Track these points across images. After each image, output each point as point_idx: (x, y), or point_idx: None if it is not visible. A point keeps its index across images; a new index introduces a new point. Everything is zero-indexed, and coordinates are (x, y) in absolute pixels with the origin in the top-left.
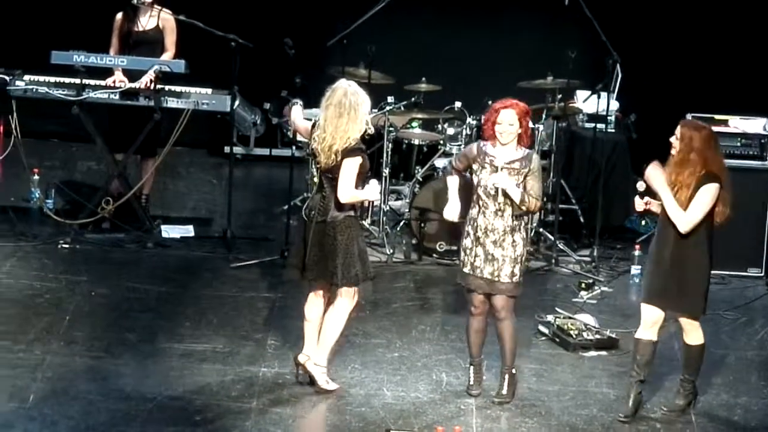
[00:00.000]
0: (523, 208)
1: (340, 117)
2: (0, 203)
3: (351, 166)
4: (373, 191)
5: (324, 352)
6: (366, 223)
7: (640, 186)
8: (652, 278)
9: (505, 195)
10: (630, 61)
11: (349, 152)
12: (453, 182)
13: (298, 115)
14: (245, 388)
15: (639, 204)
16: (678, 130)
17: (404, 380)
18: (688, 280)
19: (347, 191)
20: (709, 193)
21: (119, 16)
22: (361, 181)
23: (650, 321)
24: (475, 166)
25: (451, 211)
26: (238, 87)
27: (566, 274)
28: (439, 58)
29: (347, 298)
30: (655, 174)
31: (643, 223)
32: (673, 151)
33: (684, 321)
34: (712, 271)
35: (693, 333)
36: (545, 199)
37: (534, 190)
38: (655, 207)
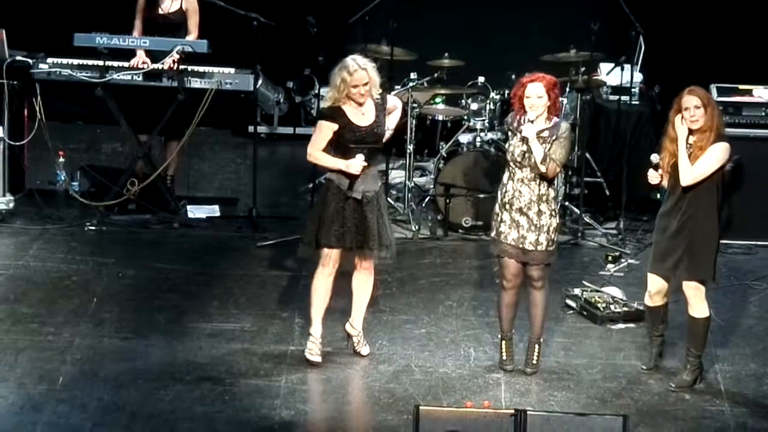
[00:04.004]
0: (542, 168)
1: None
2: (26, 186)
3: (317, 126)
4: (351, 164)
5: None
6: (391, 199)
7: (654, 158)
8: (658, 248)
9: (529, 150)
10: (653, 32)
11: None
12: None
13: None
14: (273, 366)
15: (654, 176)
16: (694, 100)
17: (432, 356)
18: (697, 245)
19: (309, 148)
20: (719, 150)
21: None
22: (338, 149)
23: (654, 290)
24: (509, 134)
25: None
26: (261, 66)
27: (593, 248)
28: (461, 33)
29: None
30: (682, 128)
31: (658, 196)
32: (696, 123)
33: (689, 293)
34: (739, 241)
35: (698, 306)
36: (570, 173)
37: (556, 154)
38: (666, 180)
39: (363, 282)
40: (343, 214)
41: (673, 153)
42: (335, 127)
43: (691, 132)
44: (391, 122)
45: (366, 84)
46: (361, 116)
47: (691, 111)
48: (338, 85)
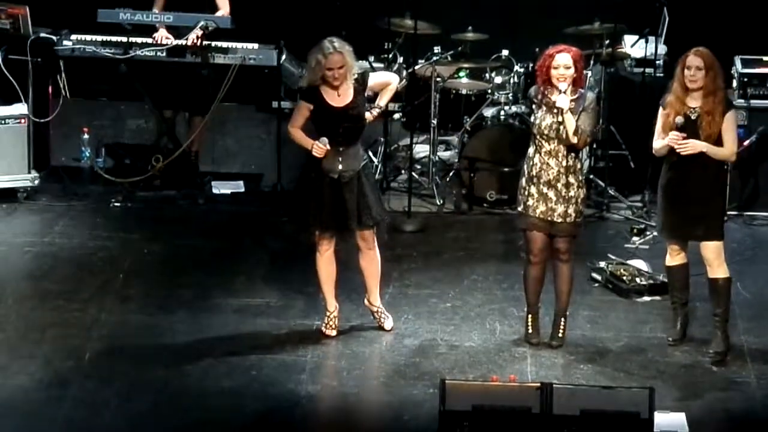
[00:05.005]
0: (573, 140)
1: None
2: (51, 163)
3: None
4: (314, 145)
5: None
6: (415, 174)
7: (679, 120)
8: (670, 216)
9: (560, 123)
10: (677, 3)
11: None
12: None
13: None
14: (299, 341)
15: (677, 137)
16: (697, 61)
17: (458, 330)
18: (709, 208)
19: (288, 125)
20: (735, 117)
21: None
22: (318, 129)
23: (675, 250)
24: (533, 107)
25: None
26: (284, 41)
27: (618, 220)
28: (485, 6)
29: None
30: (692, 144)
31: (674, 159)
32: (694, 83)
33: (710, 254)
34: (764, 213)
35: (719, 267)
36: (594, 145)
37: (585, 125)
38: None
39: (367, 260)
40: (321, 193)
41: (678, 111)
42: (310, 106)
43: (687, 90)
44: (384, 99)
45: (341, 68)
46: (337, 97)
47: (692, 71)
48: (313, 67)
